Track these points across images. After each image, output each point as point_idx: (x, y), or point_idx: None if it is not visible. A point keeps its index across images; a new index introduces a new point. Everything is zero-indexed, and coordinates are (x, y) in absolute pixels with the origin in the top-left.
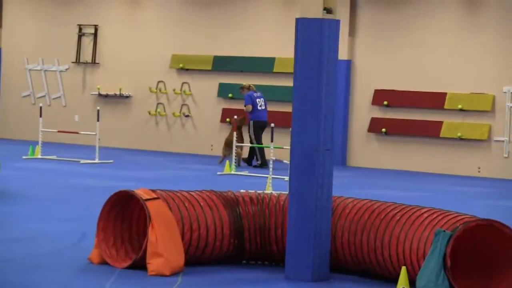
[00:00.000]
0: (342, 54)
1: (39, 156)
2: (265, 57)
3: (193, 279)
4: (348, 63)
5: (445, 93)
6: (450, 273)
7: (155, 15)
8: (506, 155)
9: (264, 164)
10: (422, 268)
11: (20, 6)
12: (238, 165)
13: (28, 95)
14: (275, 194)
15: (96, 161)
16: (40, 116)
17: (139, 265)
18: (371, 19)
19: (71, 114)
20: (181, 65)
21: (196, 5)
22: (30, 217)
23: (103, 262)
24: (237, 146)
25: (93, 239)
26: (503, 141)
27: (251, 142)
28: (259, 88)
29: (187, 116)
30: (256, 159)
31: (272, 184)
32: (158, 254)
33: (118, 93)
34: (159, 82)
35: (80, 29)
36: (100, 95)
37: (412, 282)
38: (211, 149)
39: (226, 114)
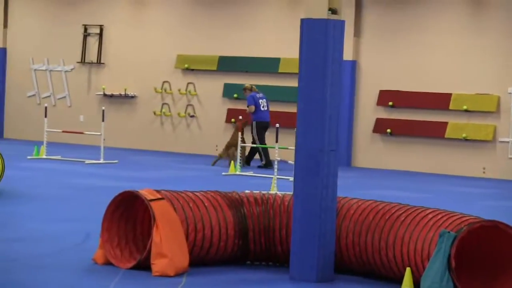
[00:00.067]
0: (347, 55)
1: (44, 156)
2: (270, 57)
3: (198, 279)
4: (353, 64)
5: (450, 94)
6: (455, 274)
7: (160, 15)
8: (511, 156)
9: (268, 164)
10: (426, 269)
11: (25, 6)
12: (243, 165)
13: (33, 95)
14: (280, 195)
15: (101, 161)
16: (45, 116)
17: (144, 265)
18: (376, 20)
19: (76, 114)
20: (186, 65)
21: (201, 5)
22: (34, 217)
23: (108, 263)
24: (236, 148)
25: (98, 239)
26: (508, 142)
27: (254, 143)
28: (264, 88)
29: (192, 116)
30: (260, 159)
31: (277, 185)
32: (162, 255)
33: (123, 93)
34: (164, 82)
35: (85, 29)
36: (105, 95)
37: (416, 283)
38: (216, 149)
39: (231, 114)
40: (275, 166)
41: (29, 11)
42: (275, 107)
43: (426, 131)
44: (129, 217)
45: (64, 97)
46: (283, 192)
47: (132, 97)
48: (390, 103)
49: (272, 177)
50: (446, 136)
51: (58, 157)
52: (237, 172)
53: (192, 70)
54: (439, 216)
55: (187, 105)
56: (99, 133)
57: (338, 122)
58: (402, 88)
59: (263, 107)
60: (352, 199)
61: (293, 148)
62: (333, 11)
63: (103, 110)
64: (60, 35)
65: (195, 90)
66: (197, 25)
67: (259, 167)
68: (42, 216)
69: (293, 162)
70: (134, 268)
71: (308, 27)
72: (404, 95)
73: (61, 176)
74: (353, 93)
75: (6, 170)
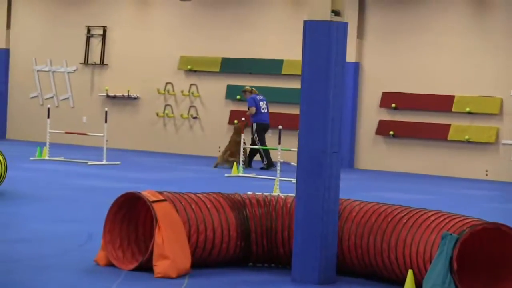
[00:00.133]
0: (350, 57)
1: (47, 157)
2: (273, 59)
3: (200, 281)
4: (356, 66)
5: (453, 96)
6: (457, 276)
7: (163, 16)
8: None
9: (270, 165)
10: (428, 271)
11: (28, 7)
12: (246, 167)
13: (36, 96)
14: (282, 197)
15: (104, 162)
16: (48, 117)
17: (146, 267)
18: (379, 22)
19: (79, 115)
20: (189, 67)
21: (204, 7)
22: (37, 218)
23: (110, 264)
24: (232, 152)
25: (100, 240)
26: (511, 144)
27: (254, 144)
28: (267, 90)
29: (195, 117)
30: (262, 161)
31: (279, 187)
32: (164, 256)
33: (126, 94)
34: (167, 83)
35: (88, 31)
36: (108, 96)
37: (418, 285)
38: (219, 151)
39: (234, 116)
40: (278, 168)
41: (32, 12)
42: (278, 109)
43: (429, 133)
44: (131, 219)
45: (67, 98)
46: (285, 194)
47: (135, 98)
48: (393, 105)
49: (274, 179)
50: (449, 138)
51: (61, 158)
52: (240, 174)
53: (195, 71)
54: (441, 218)
55: (190, 107)
56: (101, 134)
57: (341, 124)
58: (405, 90)
59: (263, 109)
60: (354, 201)
61: (296, 149)
62: (336, 13)
63: (106, 111)
64: (63, 36)
65: (198, 92)
66: (200, 27)
67: (262, 168)
68: (45, 217)
69: (295, 164)
70: (136, 269)
71: (311, 29)
72: (407, 97)
73: (64, 177)
74: (356, 95)
75: (8, 171)
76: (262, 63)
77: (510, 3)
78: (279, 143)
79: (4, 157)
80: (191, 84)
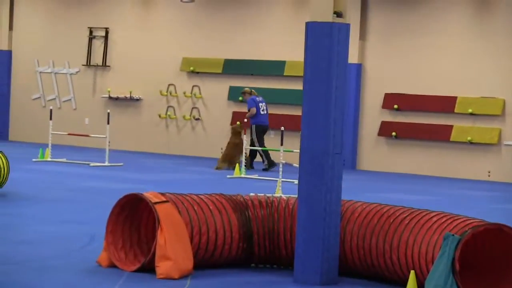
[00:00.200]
0: (353, 58)
1: (49, 159)
2: (276, 60)
3: (202, 282)
4: (359, 67)
5: (455, 97)
6: (459, 277)
7: (165, 18)
8: None
9: (271, 165)
10: (430, 272)
11: (30, 8)
12: (248, 168)
13: (38, 97)
14: (284, 198)
15: (106, 163)
16: (50, 118)
17: (148, 268)
18: (381, 23)
19: (81, 116)
20: (191, 68)
21: (206, 8)
22: (39, 219)
23: (112, 265)
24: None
25: (102, 241)
26: None
27: (253, 146)
28: (269, 91)
29: (197, 119)
30: (262, 162)
31: (281, 188)
32: (166, 257)
33: (128, 96)
34: (169, 85)
35: (91, 32)
36: (110, 97)
37: (420, 286)
38: (221, 152)
39: (236, 117)
40: (280, 169)
41: (34, 13)
42: (280, 110)
43: (431, 134)
44: (133, 220)
45: (70, 99)
46: (287, 195)
47: (137, 99)
48: (395, 106)
49: (276, 180)
50: (451, 139)
51: (63, 159)
52: (242, 175)
53: (198, 73)
54: (444, 219)
55: (192, 108)
56: (104, 136)
57: (343, 125)
58: (407, 91)
59: (262, 110)
60: (356, 202)
61: (298, 151)
62: (338, 14)
63: (108, 113)
64: (66, 37)
65: (200, 93)
66: (203, 28)
67: (264, 169)
68: (47, 218)
69: (297, 165)
70: (139, 270)
71: (313, 30)
72: (409, 98)
73: (66, 179)
74: (358, 96)
75: (11, 173)
76: (265, 64)
77: None
78: (281, 144)
79: (6, 158)
80: (193, 86)
